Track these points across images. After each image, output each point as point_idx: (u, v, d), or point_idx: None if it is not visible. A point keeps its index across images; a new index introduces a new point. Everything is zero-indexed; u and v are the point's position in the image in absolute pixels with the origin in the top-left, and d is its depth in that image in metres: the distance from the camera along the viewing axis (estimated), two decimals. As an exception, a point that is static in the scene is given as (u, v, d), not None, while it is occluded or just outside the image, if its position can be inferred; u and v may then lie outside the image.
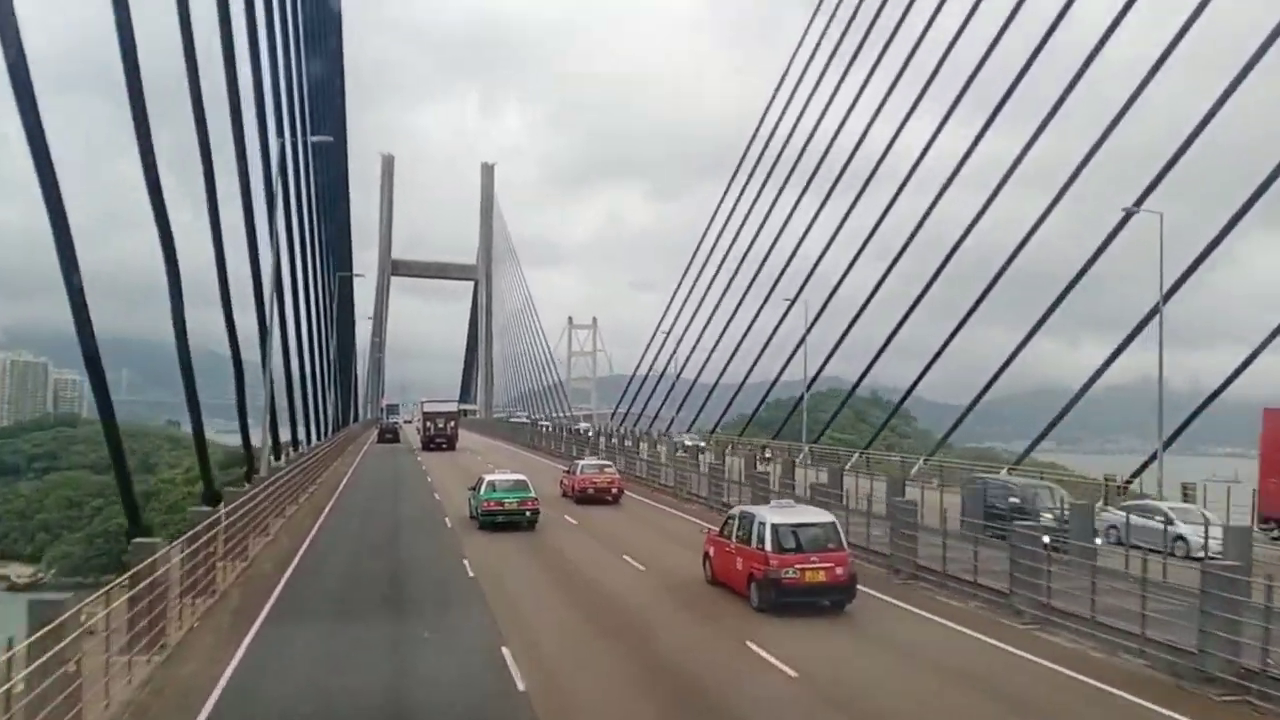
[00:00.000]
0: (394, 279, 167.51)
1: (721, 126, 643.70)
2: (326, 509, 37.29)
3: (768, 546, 20.03)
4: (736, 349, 68.56)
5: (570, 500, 40.33)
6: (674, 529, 33.03)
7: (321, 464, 50.36)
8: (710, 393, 77.51)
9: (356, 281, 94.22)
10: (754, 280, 67.54)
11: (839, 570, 19.97)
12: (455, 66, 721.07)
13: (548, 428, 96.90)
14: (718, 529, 23.23)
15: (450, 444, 75.27)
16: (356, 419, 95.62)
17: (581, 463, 44.05)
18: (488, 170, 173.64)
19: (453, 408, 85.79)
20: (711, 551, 22.92)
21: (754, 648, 17.02)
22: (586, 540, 30.68)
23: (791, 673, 15.52)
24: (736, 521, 21.87)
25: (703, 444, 66.74)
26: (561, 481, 43.24)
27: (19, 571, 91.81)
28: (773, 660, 16.21)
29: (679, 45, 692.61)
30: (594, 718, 13.85)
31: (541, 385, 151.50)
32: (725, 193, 75.87)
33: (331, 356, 68.94)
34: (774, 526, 20.23)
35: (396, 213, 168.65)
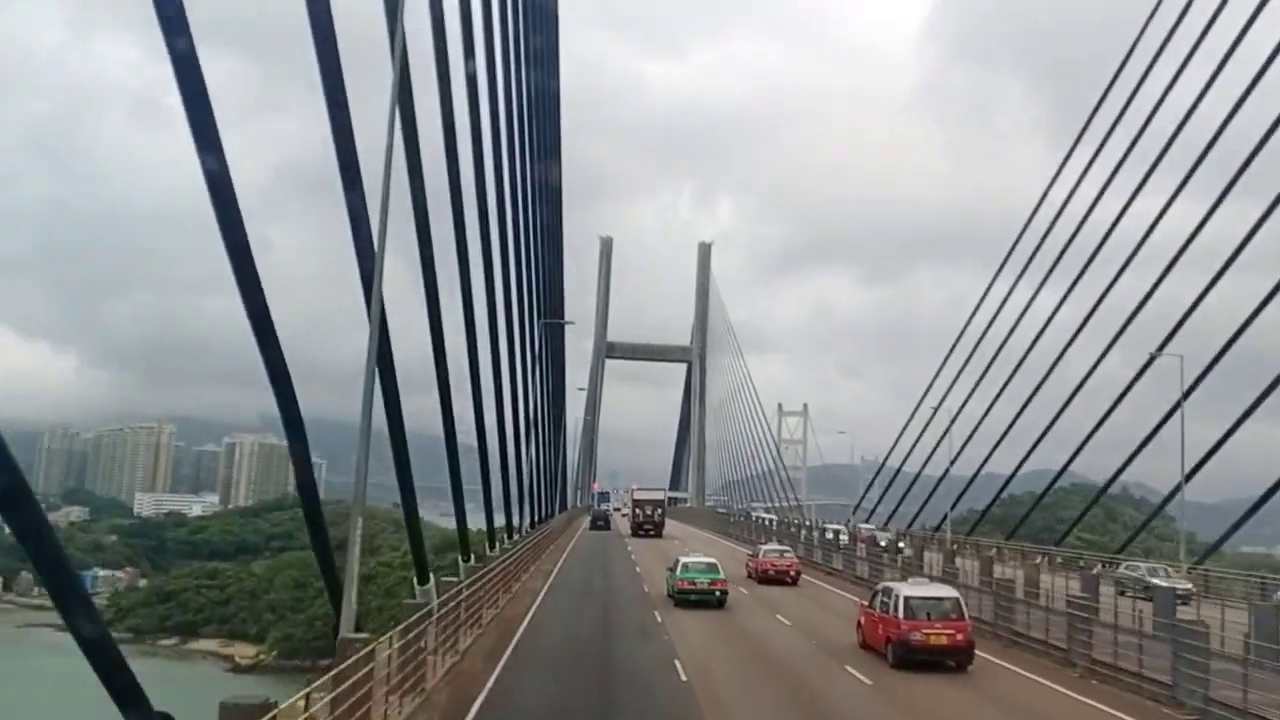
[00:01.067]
0: (608, 362, 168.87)
1: (932, 209, 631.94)
2: (542, 591, 38.68)
3: (900, 614, 24.31)
4: (968, 440, 63.51)
5: (754, 580, 45.22)
6: (839, 606, 36.56)
7: (537, 549, 51.77)
8: (936, 485, 72.33)
9: (569, 365, 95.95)
10: (988, 368, 62.01)
11: (959, 636, 24.17)
12: (668, 162, 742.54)
13: (764, 520, 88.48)
14: (869, 602, 27.13)
15: (658, 530, 77.34)
16: (565, 507, 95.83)
17: (764, 547, 49.92)
18: (704, 249, 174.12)
19: (660, 495, 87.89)
20: (862, 620, 27.14)
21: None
22: (755, 606, 36.62)
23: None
24: (880, 595, 26.22)
25: (891, 539, 61.84)
26: (747, 564, 48.19)
27: (243, 653, 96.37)
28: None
29: (887, 129, 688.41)
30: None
31: (755, 472, 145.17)
32: (983, 278, 71.63)
33: (547, 442, 69.30)
34: (906, 598, 24.57)
35: (612, 297, 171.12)
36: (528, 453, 56.30)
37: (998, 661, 25.43)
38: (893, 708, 20.92)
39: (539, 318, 54.31)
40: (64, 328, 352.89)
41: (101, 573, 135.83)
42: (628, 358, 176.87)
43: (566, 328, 78.21)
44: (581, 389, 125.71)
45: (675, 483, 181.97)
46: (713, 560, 37.05)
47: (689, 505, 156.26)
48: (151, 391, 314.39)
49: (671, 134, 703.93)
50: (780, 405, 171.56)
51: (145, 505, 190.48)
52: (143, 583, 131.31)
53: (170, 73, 12.26)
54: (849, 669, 23.73)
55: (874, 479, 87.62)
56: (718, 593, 34.78)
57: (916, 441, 72.34)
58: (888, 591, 25.97)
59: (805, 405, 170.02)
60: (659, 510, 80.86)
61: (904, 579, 29.39)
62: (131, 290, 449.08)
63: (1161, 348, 44.90)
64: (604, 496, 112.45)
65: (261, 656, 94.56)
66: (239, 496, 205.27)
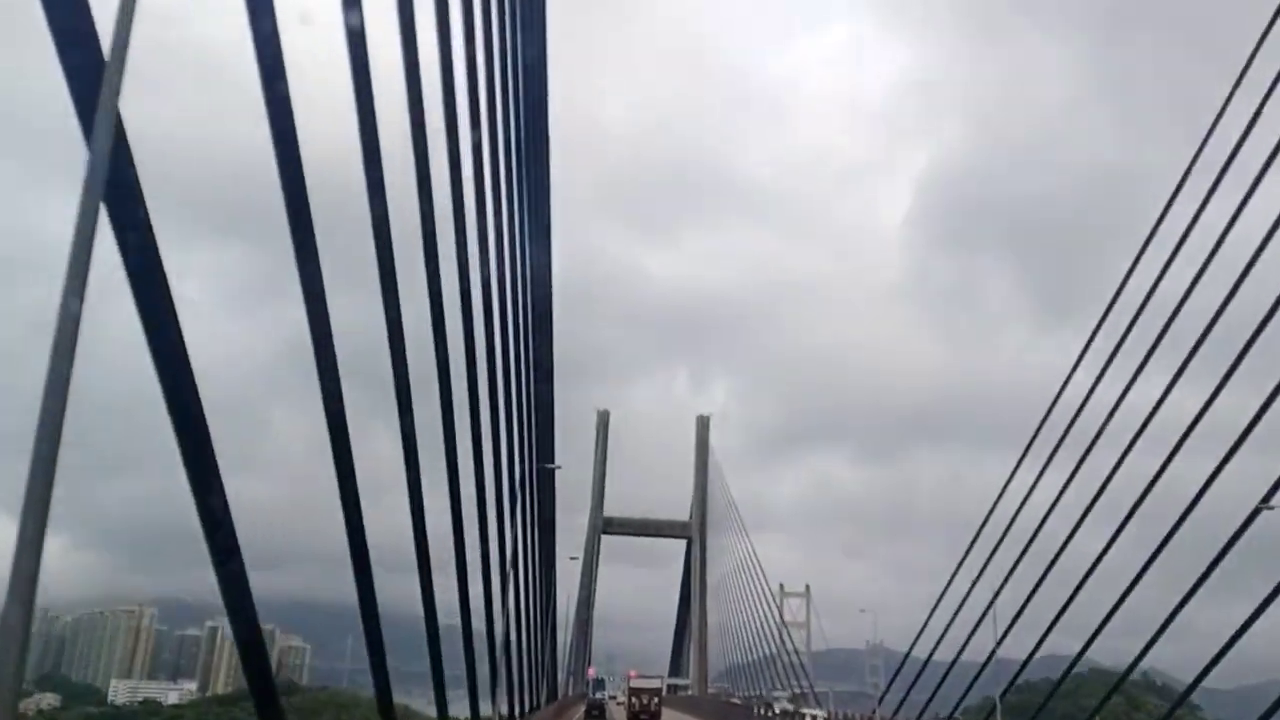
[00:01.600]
0: (605, 539, 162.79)
1: (926, 389, 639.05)
2: None
3: None
4: (977, 625, 60.33)
5: None
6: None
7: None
8: (946, 672, 68.73)
9: (562, 541, 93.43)
10: (994, 551, 59.54)
11: None
12: (665, 344, 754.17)
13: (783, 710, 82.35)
14: None
15: None
16: (555, 695, 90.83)
17: None
18: (702, 423, 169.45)
19: (658, 684, 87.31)
20: None
21: None
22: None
23: None
24: None
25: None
26: None
27: None
28: None
29: (881, 314, 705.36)
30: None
31: (759, 656, 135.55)
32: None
33: (537, 625, 66.29)
34: None
35: (609, 473, 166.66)
36: (518, 635, 53.90)
37: None
38: None
39: (529, 488, 51.99)
40: (54, 509, 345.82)
41: None
42: (625, 533, 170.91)
43: (560, 502, 76.37)
44: (575, 558, 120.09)
45: (675, 668, 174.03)
46: None
47: (690, 692, 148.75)
48: (138, 574, 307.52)
49: (667, 318, 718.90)
50: (781, 585, 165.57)
51: (120, 692, 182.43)
52: None
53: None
54: None
55: (895, 667, 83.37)
56: None
57: (924, 626, 69.25)
58: None
59: (807, 586, 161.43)
60: (655, 699, 79.83)
61: None
62: (125, 471, 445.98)
63: (1170, 534, 43.12)
64: (599, 684, 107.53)
65: None
66: (218, 684, 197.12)
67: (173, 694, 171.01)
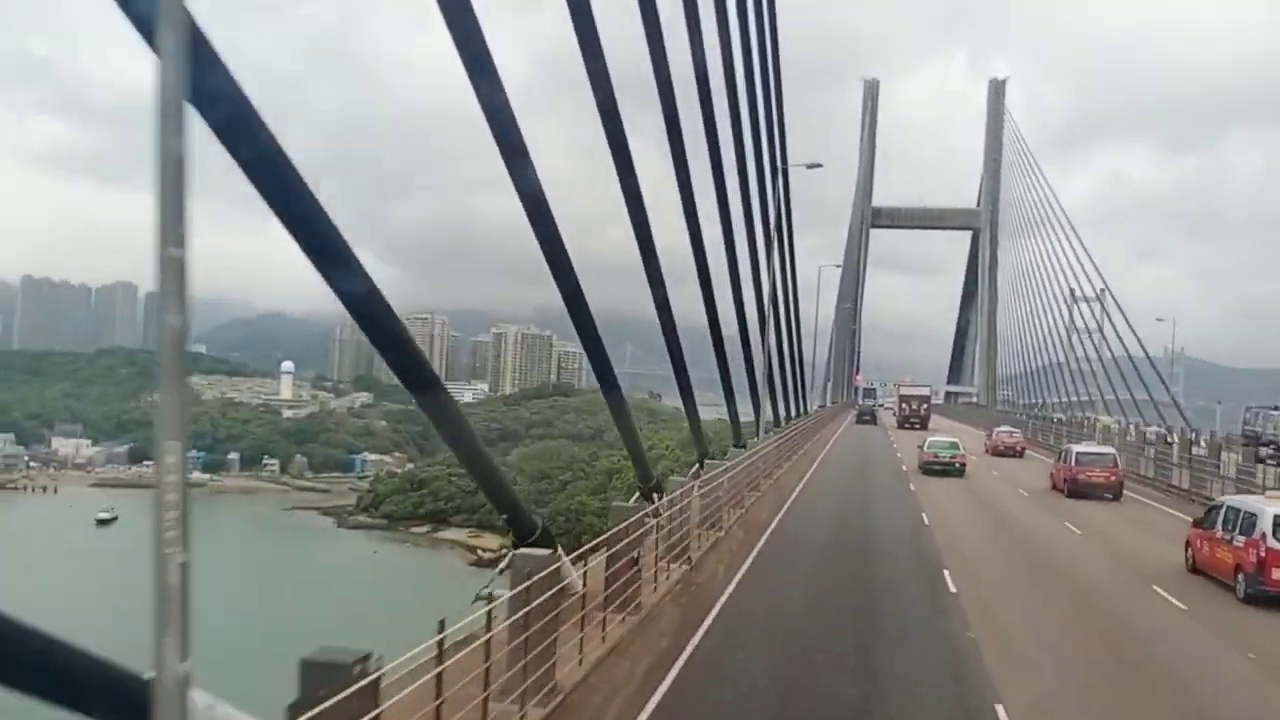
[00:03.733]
0: (874, 233, 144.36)
1: (1255, 66, 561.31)
2: (819, 459, 49.03)
3: (1270, 539, 19.20)
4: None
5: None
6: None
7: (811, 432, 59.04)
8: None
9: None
10: None
11: None
12: (941, 26, 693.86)
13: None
14: (1196, 520, 23.05)
15: (923, 424, 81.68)
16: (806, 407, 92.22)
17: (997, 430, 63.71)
18: (996, 88, 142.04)
19: (926, 391, 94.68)
20: (1197, 543, 22.42)
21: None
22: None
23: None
24: (1223, 514, 21.50)
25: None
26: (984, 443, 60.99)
27: (488, 544, 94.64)
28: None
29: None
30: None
31: (1048, 363, 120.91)
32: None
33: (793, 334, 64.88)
34: (1276, 517, 19.40)
35: (877, 168, 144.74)
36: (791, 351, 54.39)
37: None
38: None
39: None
40: (356, 227, 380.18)
41: (371, 457, 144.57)
42: (898, 226, 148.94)
43: (823, 190, 73.17)
44: (838, 265, 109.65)
45: (956, 375, 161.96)
46: (954, 440, 45.93)
47: (975, 399, 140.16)
48: (433, 286, 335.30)
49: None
50: (1072, 290, 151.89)
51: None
52: (409, 466, 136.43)
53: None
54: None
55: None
56: (957, 464, 43.16)
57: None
58: (1237, 510, 20.89)
59: (1103, 289, 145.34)
60: (924, 405, 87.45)
61: None
62: (415, 191, 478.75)
63: None
64: (870, 392, 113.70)
65: (504, 549, 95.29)
66: (505, 385, 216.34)
67: (467, 393, 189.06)
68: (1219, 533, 21.21)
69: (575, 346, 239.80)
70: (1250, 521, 19.94)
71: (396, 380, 10.64)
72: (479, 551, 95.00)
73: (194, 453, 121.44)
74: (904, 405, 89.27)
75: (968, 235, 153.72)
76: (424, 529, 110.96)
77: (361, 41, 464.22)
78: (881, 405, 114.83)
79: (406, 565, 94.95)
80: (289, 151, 7.57)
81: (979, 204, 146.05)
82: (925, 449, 44.53)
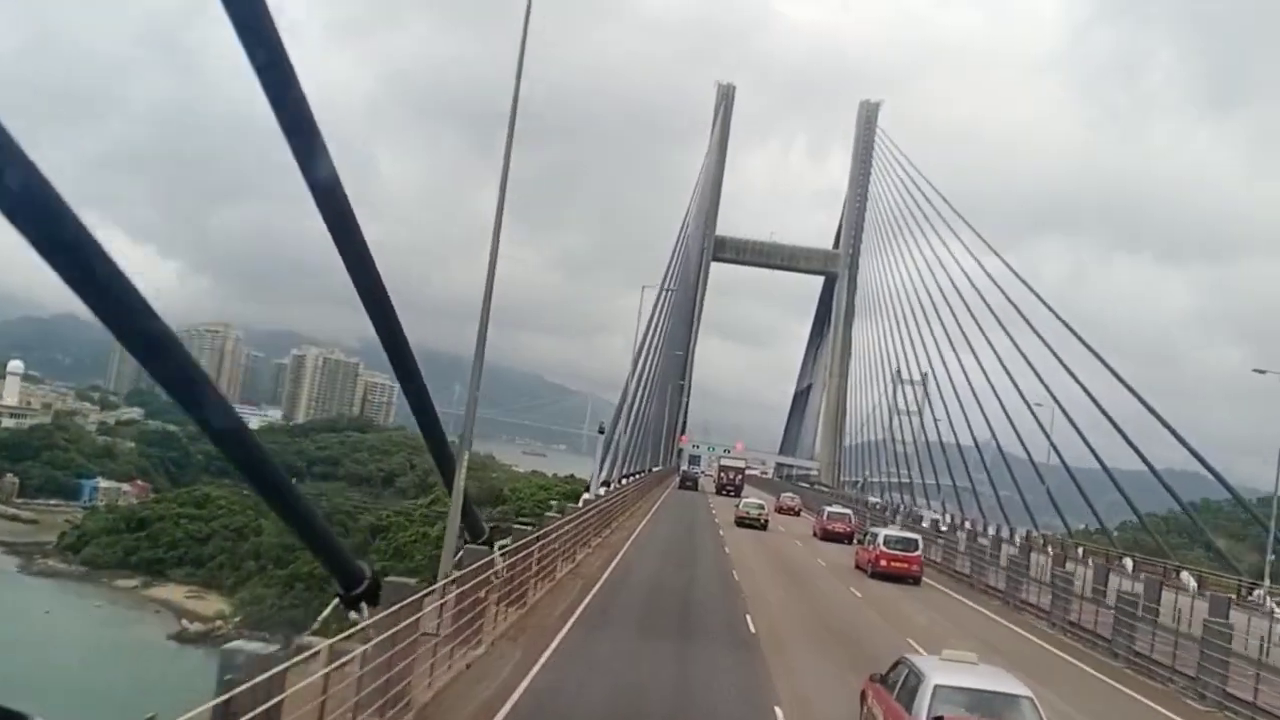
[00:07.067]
0: (714, 268, 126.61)
1: (1058, 177, 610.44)
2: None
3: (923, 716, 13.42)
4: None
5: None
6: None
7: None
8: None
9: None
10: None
11: None
12: (789, 106, 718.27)
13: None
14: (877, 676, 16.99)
15: (737, 492, 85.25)
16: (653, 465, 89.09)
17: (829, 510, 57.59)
18: (868, 111, 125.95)
19: (742, 464, 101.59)
20: (870, 695, 16.66)
21: None
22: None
23: None
24: (904, 673, 15.77)
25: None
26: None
27: (204, 612, 78.75)
28: None
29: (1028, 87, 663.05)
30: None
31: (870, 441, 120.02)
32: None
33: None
34: (937, 687, 14.12)
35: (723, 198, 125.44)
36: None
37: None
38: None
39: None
40: (171, 233, 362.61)
41: (104, 484, 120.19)
42: (744, 261, 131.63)
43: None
44: (672, 289, 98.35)
45: (791, 447, 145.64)
46: (761, 502, 59.39)
47: (814, 476, 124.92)
48: (257, 304, 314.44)
49: (799, 78, 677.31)
50: (897, 371, 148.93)
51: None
52: (152, 498, 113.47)
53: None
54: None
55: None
56: (762, 520, 54.34)
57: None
58: (907, 671, 15.60)
59: (925, 374, 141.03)
60: (740, 475, 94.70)
61: None
62: (240, 200, 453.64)
63: None
64: (695, 459, 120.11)
65: (219, 623, 75.12)
66: (300, 413, 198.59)
67: (254, 419, 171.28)
68: (891, 693, 15.67)
69: (386, 377, 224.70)
70: (914, 687, 14.97)
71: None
72: (184, 622, 76.69)
73: None
74: (722, 474, 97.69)
75: (809, 306, 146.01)
76: (133, 582, 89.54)
77: (196, 33, 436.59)
78: (704, 473, 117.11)
79: (85, 634, 71.11)
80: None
81: (836, 245, 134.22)
82: (739, 508, 56.40)
